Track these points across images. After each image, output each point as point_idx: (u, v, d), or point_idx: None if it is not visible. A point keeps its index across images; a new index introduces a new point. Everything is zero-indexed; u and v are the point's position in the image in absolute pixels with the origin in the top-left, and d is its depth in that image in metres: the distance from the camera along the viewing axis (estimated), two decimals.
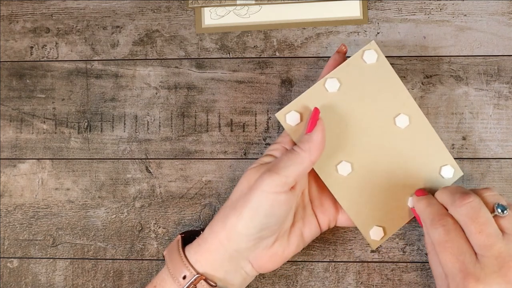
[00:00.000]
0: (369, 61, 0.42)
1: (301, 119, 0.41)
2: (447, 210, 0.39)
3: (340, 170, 0.42)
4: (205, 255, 0.39)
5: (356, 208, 0.42)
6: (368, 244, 0.46)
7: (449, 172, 0.43)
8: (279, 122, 0.47)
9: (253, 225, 0.38)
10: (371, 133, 0.42)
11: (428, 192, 0.42)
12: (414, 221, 0.46)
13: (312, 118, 0.40)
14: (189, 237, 0.42)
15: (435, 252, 0.38)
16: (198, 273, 0.39)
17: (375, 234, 0.43)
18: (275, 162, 0.39)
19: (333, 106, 0.42)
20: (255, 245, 0.39)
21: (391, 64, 0.42)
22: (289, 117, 0.41)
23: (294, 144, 0.41)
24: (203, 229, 0.41)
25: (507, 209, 0.37)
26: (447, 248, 0.36)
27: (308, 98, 0.42)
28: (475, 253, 0.36)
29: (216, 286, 0.39)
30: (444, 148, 0.43)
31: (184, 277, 0.39)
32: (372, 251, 0.46)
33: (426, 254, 0.46)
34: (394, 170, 0.42)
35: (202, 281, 0.38)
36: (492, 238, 0.35)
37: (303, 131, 0.41)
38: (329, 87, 0.42)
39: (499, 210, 0.37)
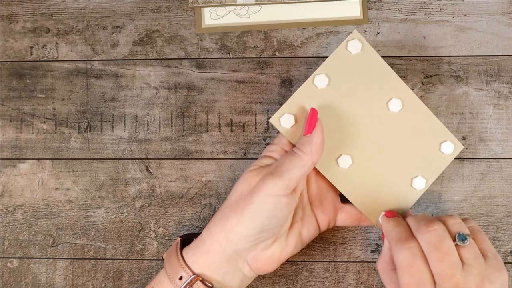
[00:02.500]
0: (354, 51, 0.42)
1: (296, 121, 0.41)
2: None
3: (341, 164, 0.42)
4: (203, 256, 0.39)
5: (362, 198, 0.42)
6: (370, 244, 0.46)
7: (450, 147, 0.43)
8: None
9: (253, 226, 0.38)
10: (366, 122, 0.42)
11: (398, 214, 0.42)
12: None
13: (310, 119, 0.40)
14: (189, 240, 0.42)
15: (392, 272, 0.38)
16: (194, 273, 0.39)
17: None
18: (277, 165, 0.39)
19: (325, 101, 0.42)
20: (254, 246, 0.39)
21: (390, 64, 0.42)
22: (283, 120, 0.41)
23: (292, 145, 0.41)
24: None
25: (468, 239, 0.37)
26: (409, 272, 0.36)
27: (299, 98, 0.42)
28: (434, 282, 0.36)
29: (212, 287, 0.39)
30: (441, 125, 0.43)
31: (181, 278, 0.39)
32: (372, 251, 0.46)
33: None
34: (394, 154, 0.42)
35: (198, 282, 0.38)
36: (452, 268, 0.35)
37: (300, 132, 0.41)
38: (318, 84, 0.42)
39: (460, 240, 0.37)
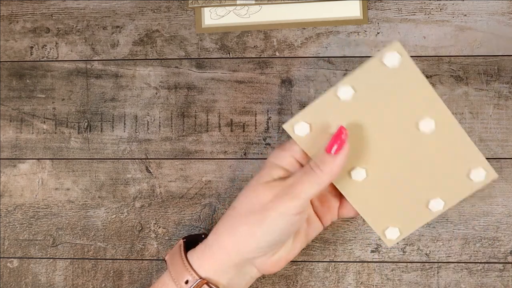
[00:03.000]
0: (390, 64, 0.37)
1: (311, 129, 0.39)
2: None
3: (354, 176, 0.40)
4: (209, 261, 0.39)
5: (371, 211, 0.41)
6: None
7: (481, 174, 0.39)
8: (279, 122, 0.47)
9: (265, 240, 0.38)
10: (388, 140, 0.39)
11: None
12: None
13: (339, 138, 0.38)
14: (191, 242, 0.42)
15: None
16: (200, 277, 0.38)
17: (390, 234, 0.41)
18: (292, 184, 0.38)
19: (347, 114, 0.39)
20: (263, 255, 0.39)
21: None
22: (297, 127, 0.39)
23: (305, 154, 0.40)
24: (205, 233, 0.41)
25: None
26: None
27: (319, 108, 0.39)
28: None
29: None
30: (476, 150, 0.39)
31: (187, 282, 0.39)
32: (372, 251, 0.46)
33: (427, 254, 0.46)
34: (414, 174, 0.40)
35: (204, 285, 0.38)
36: None
37: (316, 143, 0.39)
38: (342, 96, 0.38)
39: None
